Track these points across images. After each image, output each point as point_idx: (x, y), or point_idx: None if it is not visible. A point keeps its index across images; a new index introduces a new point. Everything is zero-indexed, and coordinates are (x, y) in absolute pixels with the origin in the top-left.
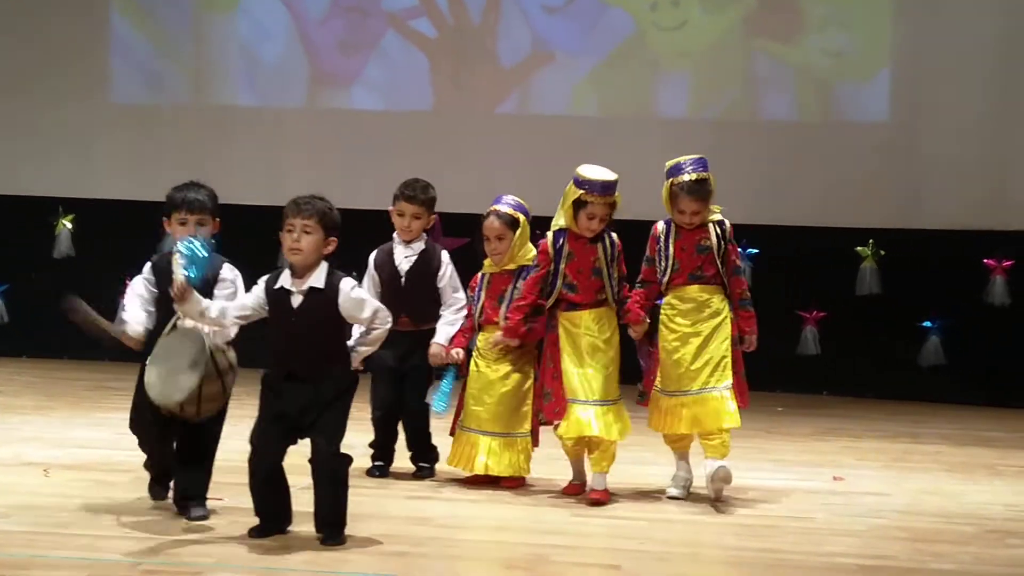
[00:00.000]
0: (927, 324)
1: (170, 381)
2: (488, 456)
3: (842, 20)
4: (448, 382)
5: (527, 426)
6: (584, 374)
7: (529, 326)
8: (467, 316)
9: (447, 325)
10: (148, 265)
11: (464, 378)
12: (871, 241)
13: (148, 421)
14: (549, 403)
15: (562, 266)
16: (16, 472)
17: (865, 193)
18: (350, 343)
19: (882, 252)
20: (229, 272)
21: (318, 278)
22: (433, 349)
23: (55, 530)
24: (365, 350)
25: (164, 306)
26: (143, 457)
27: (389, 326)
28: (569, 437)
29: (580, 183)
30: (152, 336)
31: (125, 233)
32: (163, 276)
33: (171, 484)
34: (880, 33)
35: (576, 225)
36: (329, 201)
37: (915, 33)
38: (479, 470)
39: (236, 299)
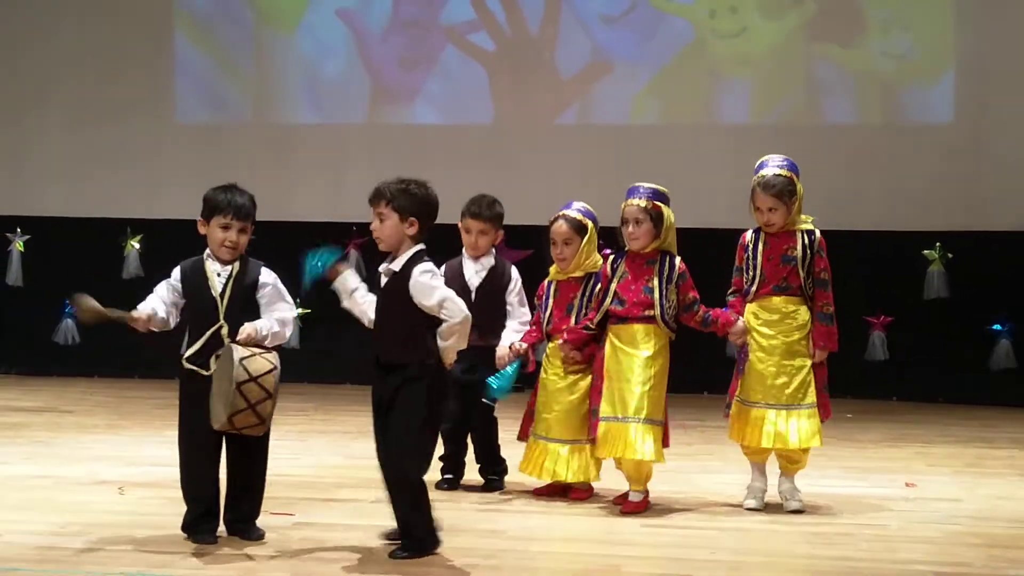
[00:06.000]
0: (997, 327)
1: (213, 406)
2: (557, 463)
3: (904, 23)
4: (512, 369)
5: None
6: (622, 391)
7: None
8: (534, 326)
9: (512, 332)
10: (177, 271)
11: (527, 369)
12: (938, 244)
13: (202, 440)
14: (595, 420)
15: (614, 285)
16: (91, 491)
17: (931, 196)
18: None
19: (950, 255)
20: (267, 276)
21: (399, 262)
22: (499, 351)
23: (131, 548)
24: (442, 344)
25: (196, 315)
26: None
27: (459, 319)
28: (600, 455)
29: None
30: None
31: (192, 252)
32: (190, 284)
33: (216, 518)
34: (944, 35)
35: (624, 235)
36: (410, 182)
37: (979, 34)
38: (547, 477)
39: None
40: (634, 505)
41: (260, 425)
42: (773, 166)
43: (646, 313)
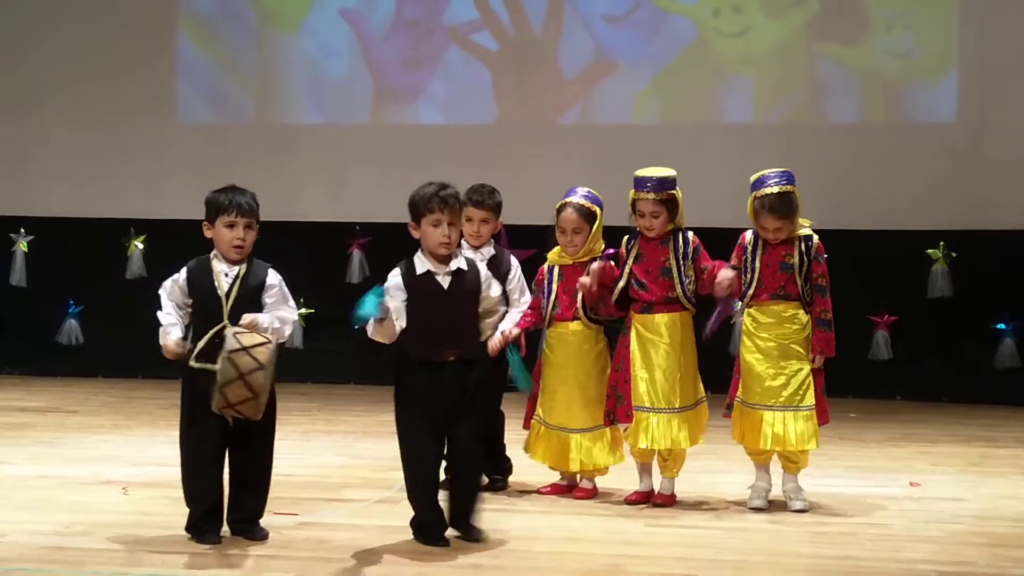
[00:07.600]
0: (1001, 326)
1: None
2: (580, 453)
3: (907, 22)
4: (514, 361)
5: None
6: (654, 381)
7: (603, 305)
8: (531, 310)
9: (510, 321)
10: (184, 271)
11: (521, 352)
12: (942, 243)
13: (206, 439)
14: (621, 406)
15: (629, 265)
16: (95, 490)
17: (934, 195)
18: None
19: (953, 254)
20: (274, 278)
21: (460, 261)
22: (491, 342)
23: (136, 547)
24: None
25: (200, 314)
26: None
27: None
28: (635, 445)
29: (634, 183)
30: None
31: (195, 252)
32: (197, 283)
33: (220, 518)
34: (947, 34)
35: (639, 225)
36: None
37: (983, 34)
38: (574, 468)
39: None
40: (665, 498)
41: (253, 400)
42: (773, 184)
43: (669, 295)
